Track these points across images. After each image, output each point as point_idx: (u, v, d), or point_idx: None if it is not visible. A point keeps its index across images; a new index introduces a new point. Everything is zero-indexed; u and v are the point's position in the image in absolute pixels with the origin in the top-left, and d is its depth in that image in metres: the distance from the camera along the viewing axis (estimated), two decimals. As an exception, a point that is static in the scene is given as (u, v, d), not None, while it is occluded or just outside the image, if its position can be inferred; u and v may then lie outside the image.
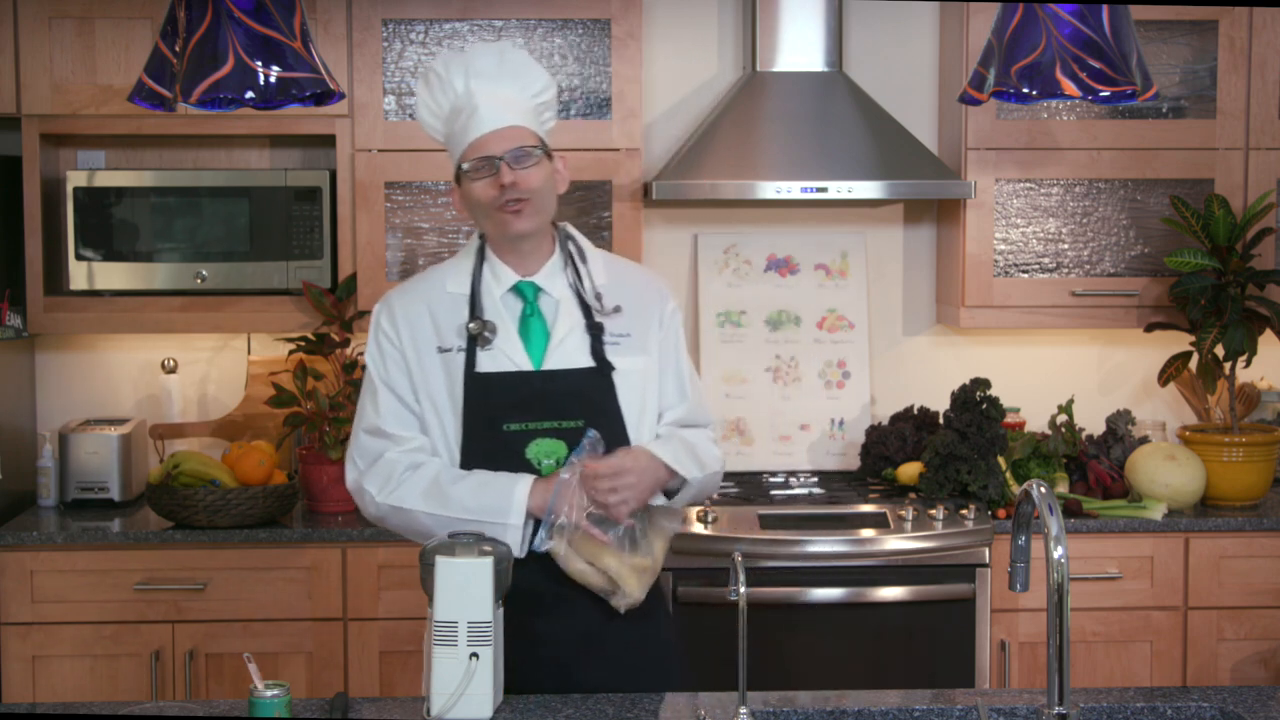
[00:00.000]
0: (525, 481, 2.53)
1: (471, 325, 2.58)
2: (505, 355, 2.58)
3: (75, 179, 3.92)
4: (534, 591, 2.55)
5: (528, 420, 2.56)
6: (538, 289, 2.63)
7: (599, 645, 2.59)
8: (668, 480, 2.62)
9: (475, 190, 2.57)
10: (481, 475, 2.56)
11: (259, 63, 2.34)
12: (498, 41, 2.62)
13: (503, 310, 2.61)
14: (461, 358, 2.58)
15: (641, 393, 2.64)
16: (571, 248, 2.67)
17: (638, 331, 2.65)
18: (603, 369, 2.59)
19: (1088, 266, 4.05)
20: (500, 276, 2.63)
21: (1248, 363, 3.91)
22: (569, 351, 2.59)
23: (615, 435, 2.59)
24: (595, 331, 2.61)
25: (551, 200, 2.62)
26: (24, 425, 4.10)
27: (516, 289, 2.63)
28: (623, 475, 2.51)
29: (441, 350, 2.60)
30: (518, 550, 2.51)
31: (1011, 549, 2.25)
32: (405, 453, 2.61)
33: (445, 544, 2.35)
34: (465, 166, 2.57)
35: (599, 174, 3.93)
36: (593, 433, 2.54)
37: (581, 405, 2.57)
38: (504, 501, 2.51)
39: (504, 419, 2.56)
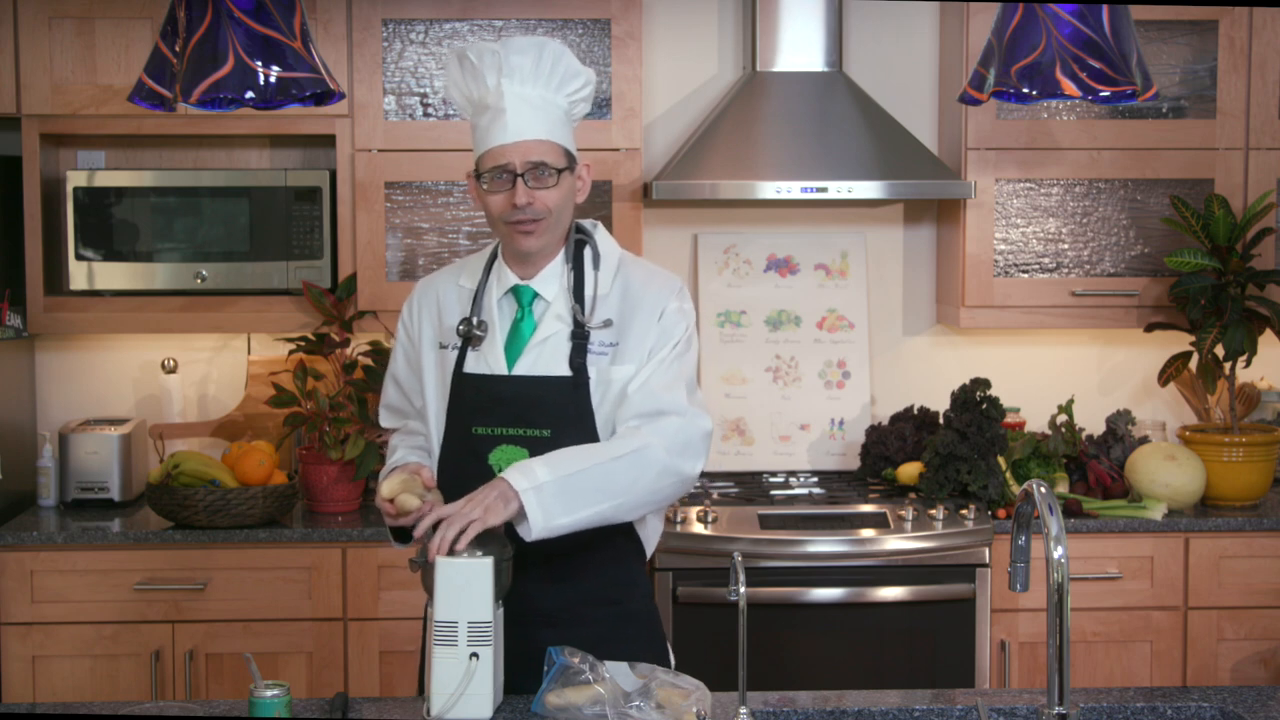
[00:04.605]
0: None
1: (460, 326, 2.59)
2: (485, 358, 2.57)
3: (75, 179, 3.92)
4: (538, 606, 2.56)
5: (494, 425, 2.54)
6: (535, 293, 2.60)
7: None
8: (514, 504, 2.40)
9: (489, 200, 2.53)
10: (393, 461, 2.69)
11: (259, 63, 2.33)
12: (535, 37, 2.51)
13: (496, 312, 2.59)
14: (454, 356, 2.59)
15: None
16: (588, 252, 2.61)
17: (631, 340, 2.55)
18: (578, 378, 2.53)
19: (1088, 266, 4.05)
20: (502, 278, 2.62)
21: (1248, 363, 3.91)
22: (545, 359, 2.54)
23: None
24: (579, 339, 2.54)
25: (567, 216, 2.57)
26: (24, 425, 4.09)
27: (515, 291, 2.61)
28: (460, 516, 2.34)
29: (441, 346, 2.62)
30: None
31: (1011, 549, 2.25)
32: (397, 435, 2.78)
33: (445, 544, 2.35)
34: (482, 176, 2.53)
35: (599, 174, 3.93)
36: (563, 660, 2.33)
37: (548, 415, 2.52)
38: None
39: (474, 421, 2.55)
